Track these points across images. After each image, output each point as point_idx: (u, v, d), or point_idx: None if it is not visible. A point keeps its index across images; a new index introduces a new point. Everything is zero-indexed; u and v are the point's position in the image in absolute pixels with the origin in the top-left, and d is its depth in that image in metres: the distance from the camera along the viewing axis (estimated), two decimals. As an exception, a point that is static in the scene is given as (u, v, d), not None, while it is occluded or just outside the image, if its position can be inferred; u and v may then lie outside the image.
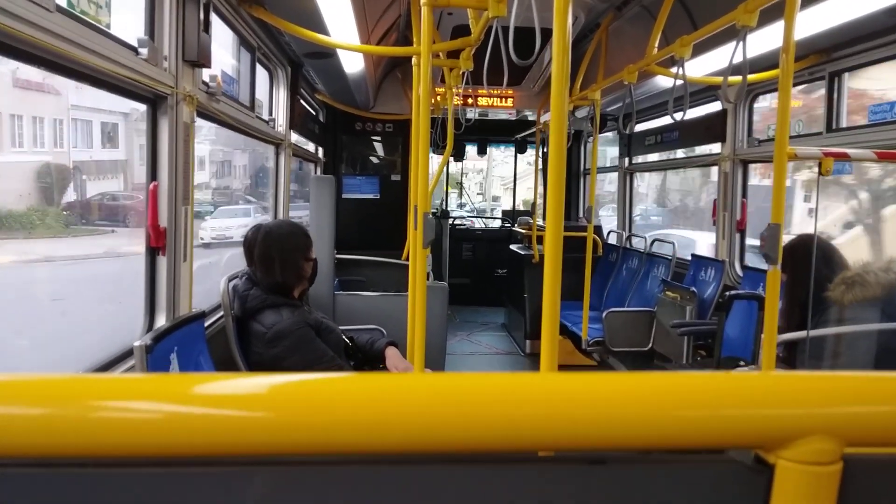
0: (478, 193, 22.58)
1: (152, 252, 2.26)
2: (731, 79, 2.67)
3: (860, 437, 0.57)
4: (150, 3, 2.23)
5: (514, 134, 8.23)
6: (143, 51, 2.10)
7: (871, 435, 0.58)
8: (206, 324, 2.49)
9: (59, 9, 1.65)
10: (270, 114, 4.15)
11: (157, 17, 2.23)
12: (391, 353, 3.00)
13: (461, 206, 11.68)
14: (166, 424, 0.54)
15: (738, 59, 2.52)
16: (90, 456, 0.56)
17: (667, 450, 0.60)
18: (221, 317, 2.68)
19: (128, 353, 2.01)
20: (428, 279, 4.23)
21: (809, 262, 2.68)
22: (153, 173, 2.25)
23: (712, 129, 4.89)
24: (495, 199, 21.41)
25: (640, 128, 6.28)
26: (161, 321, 2.27)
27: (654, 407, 0.56)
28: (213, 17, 2.69)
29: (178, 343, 2.06)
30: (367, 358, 3.08)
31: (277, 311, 2.61)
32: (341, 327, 3.16)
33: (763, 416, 0.57)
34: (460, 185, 11.08)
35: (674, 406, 0.57)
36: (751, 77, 3.67)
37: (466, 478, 0.60)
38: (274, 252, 2.67)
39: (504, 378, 0.59)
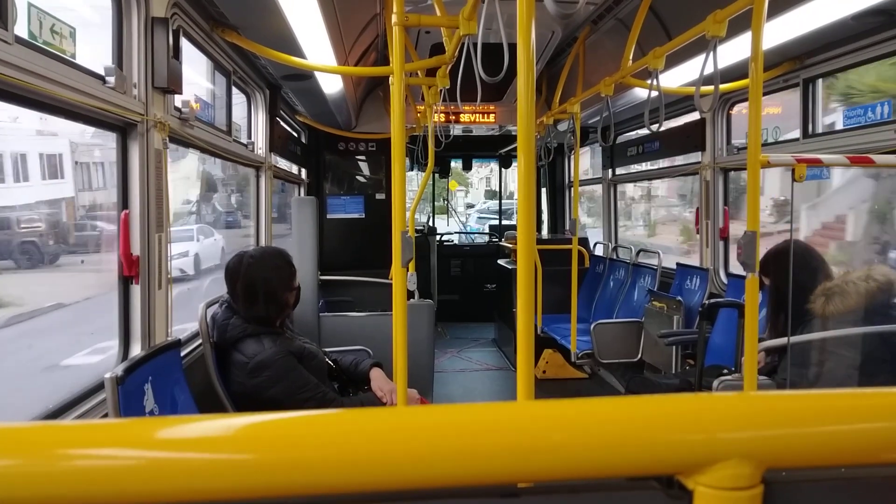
0: (484, 202, 22.48)
1: (125, 281, 2.23)
2: (704, 88, 2.69)
3: (779, 459, 0.56)
4: (117, 31, 2.22)
5: (498, 149, 8.26)
6: (111, 79, 2.08)
7: (791, 456, 0.57)
8: (184, 352, 2.45)
9: (19, 40, 1.64)
10: (249, 137, 4.14)
11: (124, 45, 2.22)
12: (376, 375, 2.97)
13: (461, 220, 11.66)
14: (141, 472, 0.52)
15: (709, 69, 2.54)
16: None
17: (587, 478, 0.59)
18: (200, 345, 2.64)
19: (99, 387, 1.97)
20: (413, 297, 4.21)
21: (785, 270, 2.69)
22: (124, 201, 2.23)
23: (692, 138, 4.93)
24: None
25: (622, 139, 6.32)
26: (136, 351, 2.24)
27: (571, 435, 0.55)
28: (185, 43, 2.69)
29: (153, 373, 2.02)
30: (351, 379, 3.05)
31: (259, 341, 2.57)
32: (326, 349, 3.13)
33: (679, 441, 0.56)
34: (447, 205, 11.08)
35: (591, 433, 0.55)
36: (724, 86, 3.71)
37: None
38: (258, 287, 2.63)
39: (469, 409, 0.59)
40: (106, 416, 1.88)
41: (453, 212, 11.54)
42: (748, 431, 0.56)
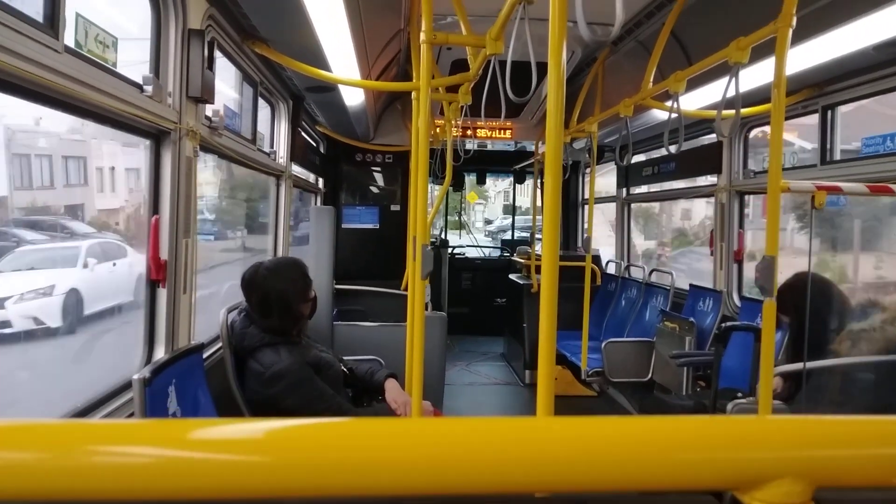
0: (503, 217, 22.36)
1: (152, 284, 2.28)
2: (725, 112, 2.72)
3: (829, 479, 0.59)
4: (155, 41, 2.28)
5: (513, 165, 8.31)
6: (148, 88, 2.14)
7: (840, 476, 0.60)
8: (205, 356, 2.49)
9: (68, 49, 1.70)
10: (272, 146, 4.21)
11: (161, 55, 2.29)
12: (390, 386, 2.99)
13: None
14: (164, 469, 0.55)
15: (731, 93, 2.57)
16: (88, 500, 0.57)
17: (645, 492, 0.62)
18: (220, 349, 2.68)
19: (126, 386, 2.02)
20: (427, 309, 4.24)
21: (809, 303, 2.67)
22: (155, 207, 2.28)
23: (708, 160, 4.95)
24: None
25: (637, 159, 6.34)
26: (160, 353, 2.28)
27: (633, 451, 0.58)
28: (217, 54, 2.75)
29: (177, 376, 2.06)
30: (365, 389, 3.07)
31: (276, 351, 2.60)
32: (342, 357, 3.16)
33: (736, 459, 0.59)
34: (459, 219, 11.07)
35: (651, 450, 0.58)
36: (744, 111, 3.74)
37: None
38: (272, 300, 2.64)
39: (494, 423, 0.61)
40: (131, 415, 1.92)
41: (468, 227, 11.47)
42: (801, 451, 0.59)
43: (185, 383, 2.12)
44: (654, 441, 0.59)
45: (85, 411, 1.89)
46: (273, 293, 2.65)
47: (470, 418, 0.62)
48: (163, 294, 2.28)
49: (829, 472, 0.59)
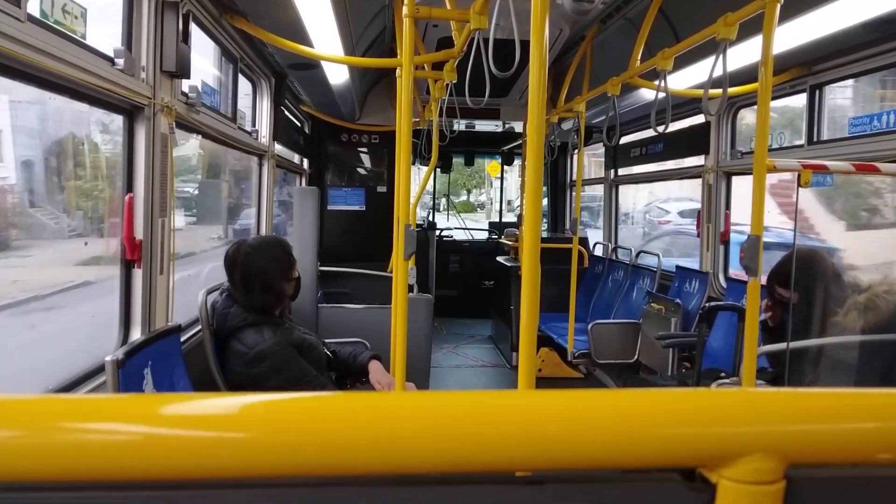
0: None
1: (127, 265, 2.23)
2: (712, 92, 2.69)
3: (802, 455, 0.57)
4: (127, 13, 2.21)
5: (501, 145, 8.26)
6: (120, 61, 2.07)
7: (813, 452, 0.57)
8: (184, 338, 2.45)
9: (31, 18, 1.63)
10: (253, 125, 4.13)
11: (134, 28, 2.21)
12: (374, 368, 2.97)
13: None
14: (139, 446, 0.52)
15: (719, 72, 2.53)
16: (59, 480, 0.54)
17: (609, 468, 0.59)
18: (199, 331, 2.64)
19: (99, 369, 1.97)
20: (412, 291, 4.21)
21: (808, 279, 2.66)
22: (129, 185, 2.22)
23: (696, 141, 4.93)
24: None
25: (625, 140, 6.31)
26: (136, 335, 2.23)
27: (594, 426, 0.56)
28: (194, 28, 2.67)
29: (153, 358, 2.02)
30: (349, 371, 3.05)
31: (259, 331, 2.57)
32: (325, 340, 3.13)
33: (704, 435, 0.56)
34: (448, 199, 11.00)
35: (615, 424, 0.56)
36: (731, 90, 3.71)
37: (442, 499, 0.59)
38: (254, 276, 2.61)
39: (472, 396, 0.59)
40: None
41: (454, 210, 11.23)
42: (772, 426, 0.56)
43: (161, 365, 2.08)
44: (613, 416, 0.56)
45: (56, 393, 1.85)
46: (255, 270, 2.61)
47: (447, 392, 0.59)
48: (138, 275, 2.23)
49: (802, 449, 0.57)
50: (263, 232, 4.27)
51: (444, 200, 11.99)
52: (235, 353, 2.56)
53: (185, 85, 2.60)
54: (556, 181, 8.24)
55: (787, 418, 0.57)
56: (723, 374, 3.33)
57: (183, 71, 2.37)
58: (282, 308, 2.76)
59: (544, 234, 7.58)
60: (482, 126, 7.30)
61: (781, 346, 2.79)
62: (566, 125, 6.26)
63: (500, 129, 7.52)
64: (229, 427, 0.54)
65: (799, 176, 2.37)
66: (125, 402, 0.59)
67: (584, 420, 0.56)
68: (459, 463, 0.56)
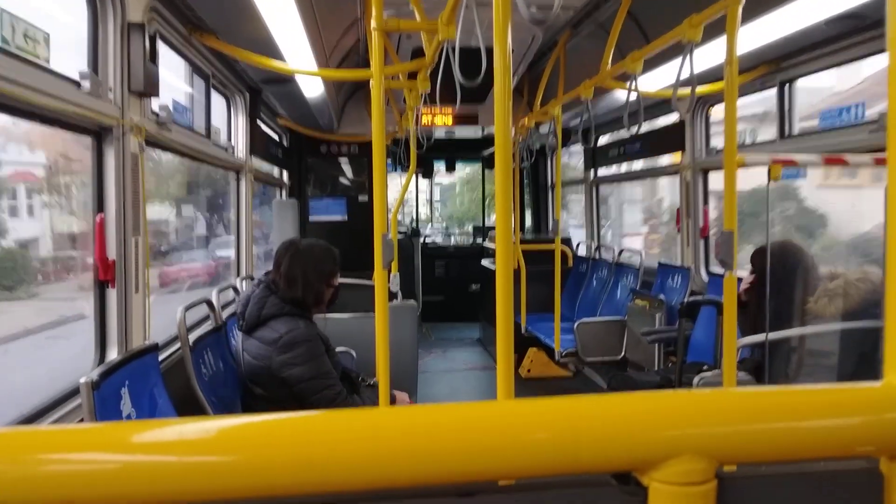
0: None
1: (101, 285, 2.22)
2: (681, 91, 2.72)
3: (732, 455, 0.57)
4: (92, 35, 2.20)
5: (482, 151, 8.28)
6: (86, 83, 2.07)
7: (743, 452, 0.58)
8: (162, 357, 2.44)
9: (-9, 45, 1.63)
10: (229, 140, 4.12)
11: (100, 50, 2.21)
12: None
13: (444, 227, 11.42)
14: (114, 476, 0.53)
15: (686, 72, 2.57)
16: None
17: (546, 476, 0.60)
18: (178, 349, 2.63)
19: (75, 391, 1.96)
20: (396, 298, 4.21)
21: (781, 269, 2.70)
22: (100, 205, 2.21)
23: (672, 139, 4.98)
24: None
25: (603, 140, 6.35)
26: (112, 356, 2.22)
27: (526, 435, 0.56)
28: (164, 47, 2.67)
29: (130, 378, 2.01)
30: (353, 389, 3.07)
31: (294, 320, 2.67)
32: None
33: (634, 439, 0.57)
34: (430, 204, 10.99)
35: (548, 432, 0.56)
36: (700, 89, 3.75)
37: None
38: (298, 272, 2.73)
39: (445, 410, 0.60)
40: (82, 421, 1.87)
41: (435, 213, 11.27)
42: (699, 428, 0.57)
43: (139, 385, 2.07)
44: (551, 423, 0.57)
45: (32, 418, 1.84)
46: (301, 267, 2.74)
47: (422, 406, 0.60)
48: (112, 294, 2.22)
49: (731, 449, 0.57)
50: (244, 246, 4.27)
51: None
52: (263, 340, 2.63)
53: (156, 104, 2.60)
54: (538, 183, 8.28)
55: (717, 420, 0.58)
56: (706, 367, 3.36)
57: (151, 90, 2.37)
58: (317, 310, 2.85)
59: (529, 236, 7.61)
60: (462, 132, 7.32)
61: (760, 337, 2.82)
62: (543, 128, 6.30)
63: (480, 135, 7.54)
64: (207, 451, 0.54)
65: (769, 170, 2.41)
66: (99, 431, 0.59)
67: (517, 429, 0.56)
68: (417, 475, 0.56)
